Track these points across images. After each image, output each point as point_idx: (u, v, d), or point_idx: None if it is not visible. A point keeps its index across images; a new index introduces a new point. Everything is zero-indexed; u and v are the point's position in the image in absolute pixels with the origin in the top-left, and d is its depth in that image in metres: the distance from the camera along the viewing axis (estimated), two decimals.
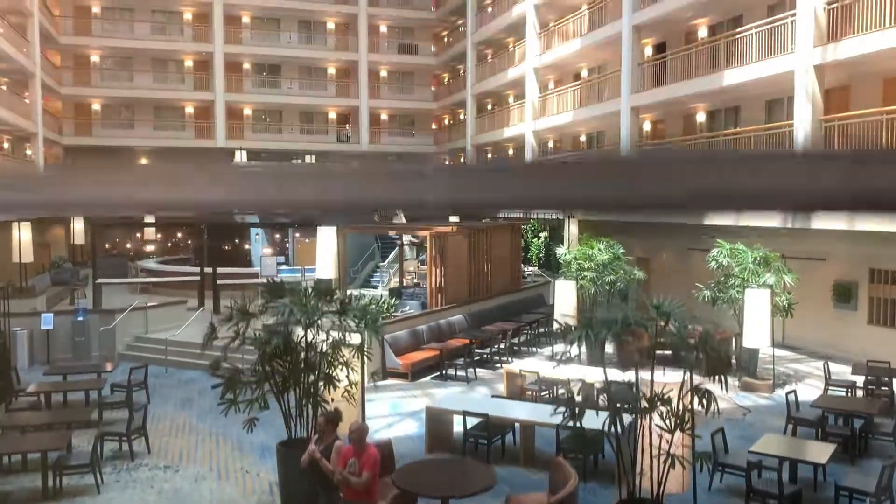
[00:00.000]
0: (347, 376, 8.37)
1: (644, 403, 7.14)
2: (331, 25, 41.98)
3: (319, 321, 7.99)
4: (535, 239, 27.98)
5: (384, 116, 43.24)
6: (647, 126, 25.20)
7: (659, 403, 7.09)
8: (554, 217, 27.43)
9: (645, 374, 7.51)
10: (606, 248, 16.06)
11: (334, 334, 8.25)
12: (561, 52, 27.56)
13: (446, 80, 44.63)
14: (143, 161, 38.84)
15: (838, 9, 15.35)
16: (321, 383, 8.25)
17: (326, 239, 16.08)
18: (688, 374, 7.19)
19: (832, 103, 16.89)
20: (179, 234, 39.34)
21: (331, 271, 16.01)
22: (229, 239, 26.03)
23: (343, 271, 17.31)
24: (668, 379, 8.29)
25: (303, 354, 7.93)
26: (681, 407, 7.15)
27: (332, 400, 8.56)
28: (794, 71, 16.13)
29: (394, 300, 16.02)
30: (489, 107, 39.13)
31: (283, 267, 25.22)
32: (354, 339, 8.82)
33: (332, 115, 42.33)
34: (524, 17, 30.35)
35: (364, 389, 10.24)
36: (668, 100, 21.54)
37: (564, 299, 15.36)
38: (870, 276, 16.61)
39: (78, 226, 30.45)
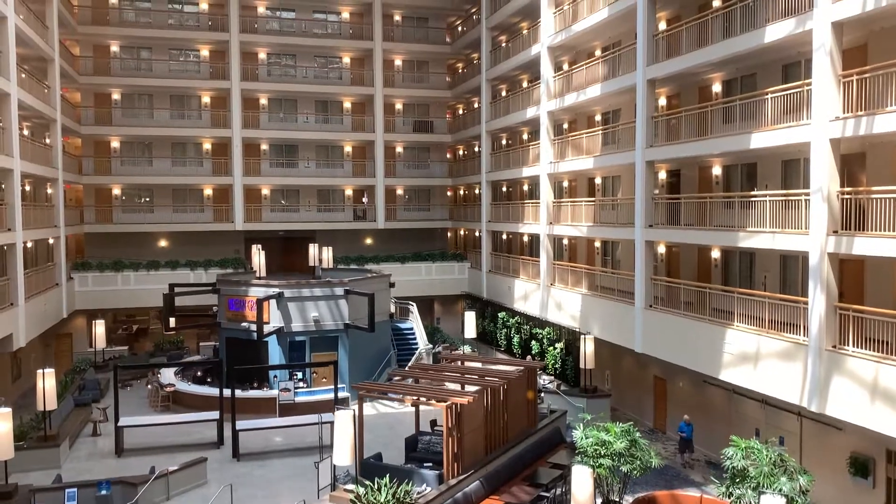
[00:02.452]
0: None
1: None
2: (347, 105, 42.47)
3: None
4: (551, 348, 28.06)
5: (400, 192, 43.58)
6: (661, 249, 25.28)
7: None
8: (570, 329, 27.53)
9: None
10: (622, 433, 16.15)
11: None
12: (575, 165, 27.75)
13: (462, 153, 44.99)
14: (163, 244, 39.44)
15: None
16: None
17: (344, 421, 16.29)
18: None
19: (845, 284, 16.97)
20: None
21: (347, 457, 16.21)
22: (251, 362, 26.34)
23: (360, 456, 17.50)
24: None
25: None
26: None
27: None
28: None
29: (410, 484, 16.15)
30: (504, 188, 39.38)
31: (302, 386, 25.49)
32: None
33: (349, 192, 42.72)
34: (538, 117, 30.55)
35: None
36: (684, 243, 21.69)
37: (582, 487, 15.43)
38: (887, 457, 16.57)
39: (100, 330, 30.95)
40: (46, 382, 20.50)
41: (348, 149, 42.64)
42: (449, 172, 44.18)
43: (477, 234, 39.50)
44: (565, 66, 30.44)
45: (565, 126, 31.55)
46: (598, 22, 25.43)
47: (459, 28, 42.92)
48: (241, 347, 26.85)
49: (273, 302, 26.04)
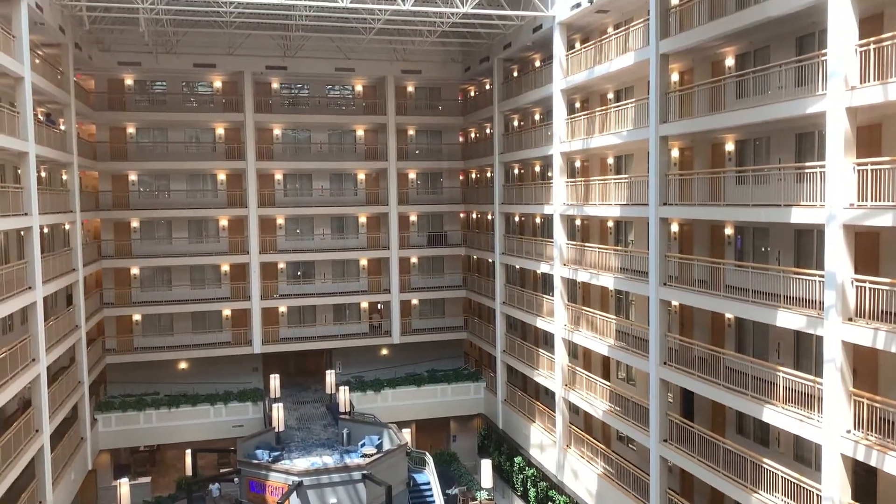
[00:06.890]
0: None
1: None
2: (362, 220, 42.98)
3: None
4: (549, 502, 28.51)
5: (415, 301, 43.98)
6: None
7: None
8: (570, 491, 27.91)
9: None
10: None
11: None
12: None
13: (474, 258, 45.26)
14: (183, 366, 40.07)
15: None
16: None
17: None
18: None
19: None
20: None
21: None
22: None
23: None
24: None
25: None
26: None
27: None
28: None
29: None
30: (519, 321, 39.58)
31: None
32: None
33: (364, 305, 43.16)
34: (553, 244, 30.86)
35: None
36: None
37: None
38: None
39: (124, 490, 31.49)
40: None
41: (363, 262, 43.12)
42: (463, 282, 44.53)
43: (491, 354, 39.85)
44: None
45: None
46: None
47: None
48: None
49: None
